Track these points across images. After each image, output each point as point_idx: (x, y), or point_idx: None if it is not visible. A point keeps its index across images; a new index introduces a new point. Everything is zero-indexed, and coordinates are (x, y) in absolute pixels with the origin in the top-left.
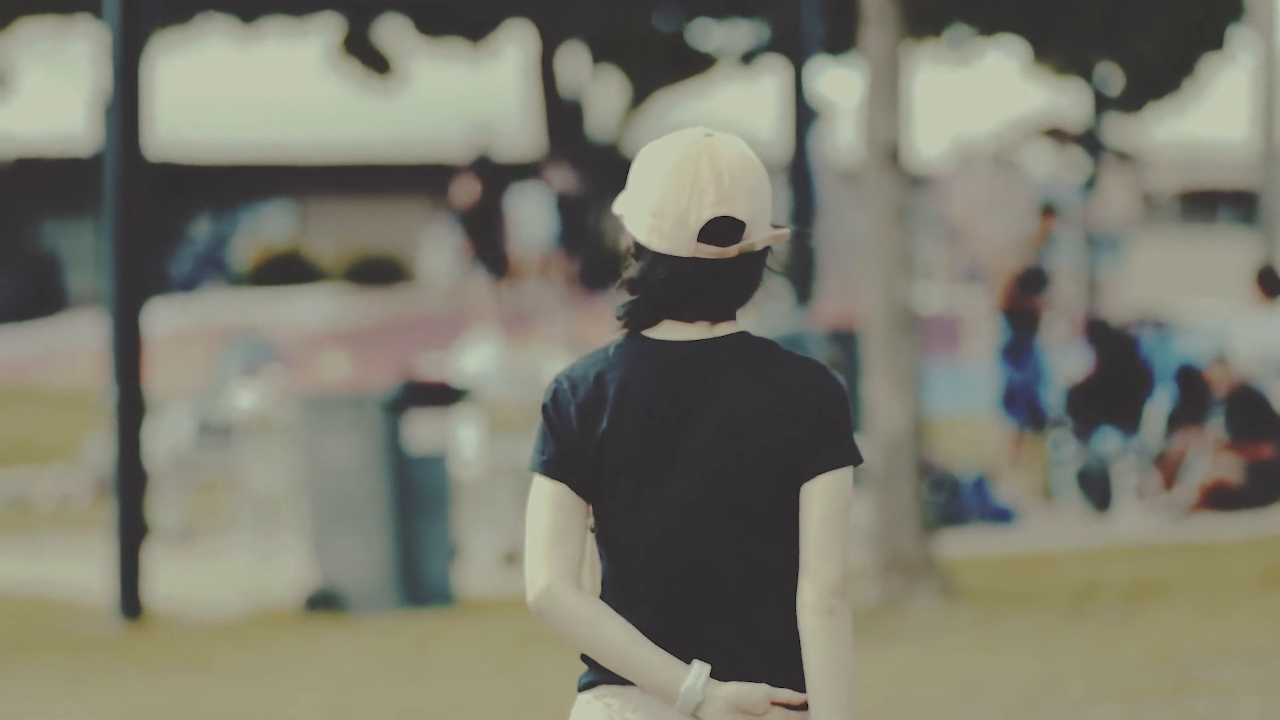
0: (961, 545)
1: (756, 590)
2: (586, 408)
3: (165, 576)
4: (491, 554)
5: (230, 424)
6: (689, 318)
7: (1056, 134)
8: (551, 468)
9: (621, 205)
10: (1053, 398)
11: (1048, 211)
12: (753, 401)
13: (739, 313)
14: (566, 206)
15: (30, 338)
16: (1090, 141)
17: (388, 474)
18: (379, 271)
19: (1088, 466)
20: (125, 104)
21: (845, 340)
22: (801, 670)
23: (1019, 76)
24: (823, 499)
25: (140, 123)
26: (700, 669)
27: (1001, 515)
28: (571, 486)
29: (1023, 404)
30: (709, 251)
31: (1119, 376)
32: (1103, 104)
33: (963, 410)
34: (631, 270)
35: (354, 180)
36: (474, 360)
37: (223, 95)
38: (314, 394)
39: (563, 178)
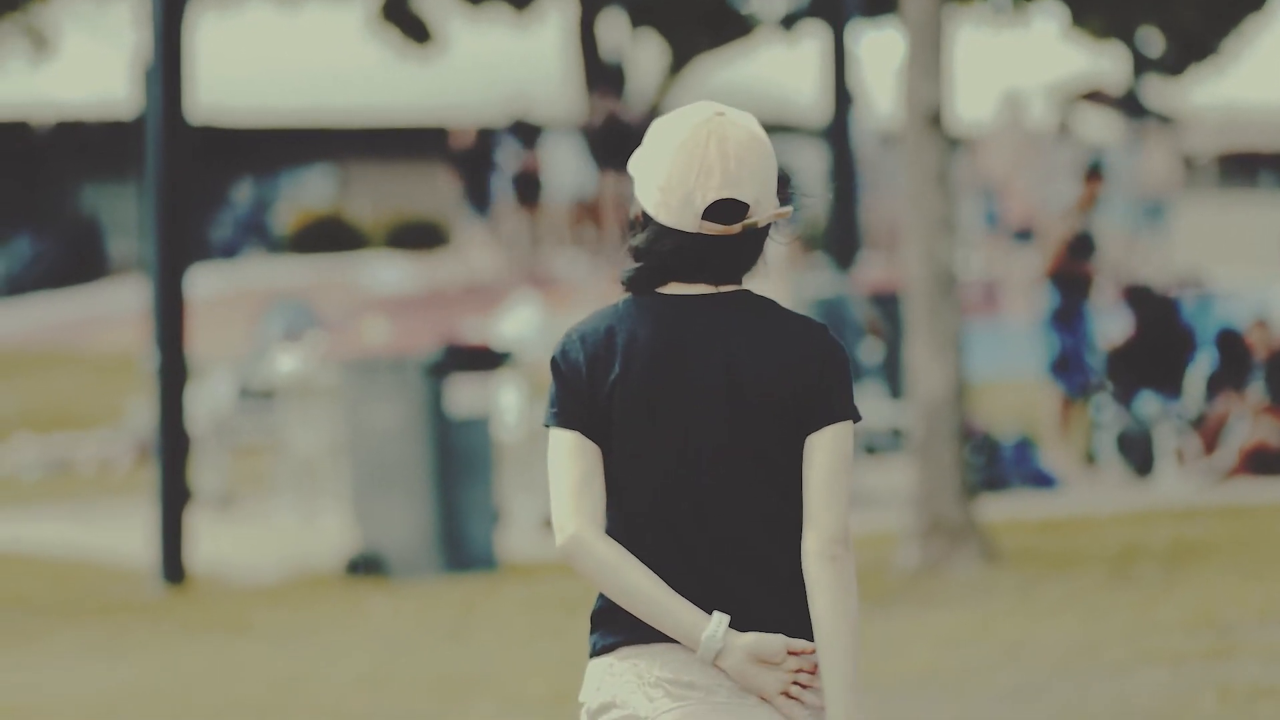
0: (1002, 509)
1: (759, 537)
2: (596, 359)
3: (207, 540)
4: (533, 518)
5: (272, 388)
6: (692, 280)
7: (1097, 97)
8: (566, 419)
9: (634, 167)
10: (1095, 362)
11: (1094, 175)
12: (756, 354)
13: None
14: (608, 147)
15: (71, 303)
16: (1131, 104)
17: (429, 438)
18: (419, 236)
19: (1128, 430)
20: (167, 68)
21: (886, 303)
22: (789, 626)
23: (1059, 40)
24: (824, 451)
25: (182, 87)
26: (720, 619)
27: (1044, 480)
28: (587, 435)
29: (1072, 369)
30: (713, 229)
31: (1159, 340)
32: (1143, 66)
33: (1004, 373)
34: (639, 238)
35: (395, 145)
36: (514, 324)
37: (263, 60)
38: (356, 358)
39: (604, 118)
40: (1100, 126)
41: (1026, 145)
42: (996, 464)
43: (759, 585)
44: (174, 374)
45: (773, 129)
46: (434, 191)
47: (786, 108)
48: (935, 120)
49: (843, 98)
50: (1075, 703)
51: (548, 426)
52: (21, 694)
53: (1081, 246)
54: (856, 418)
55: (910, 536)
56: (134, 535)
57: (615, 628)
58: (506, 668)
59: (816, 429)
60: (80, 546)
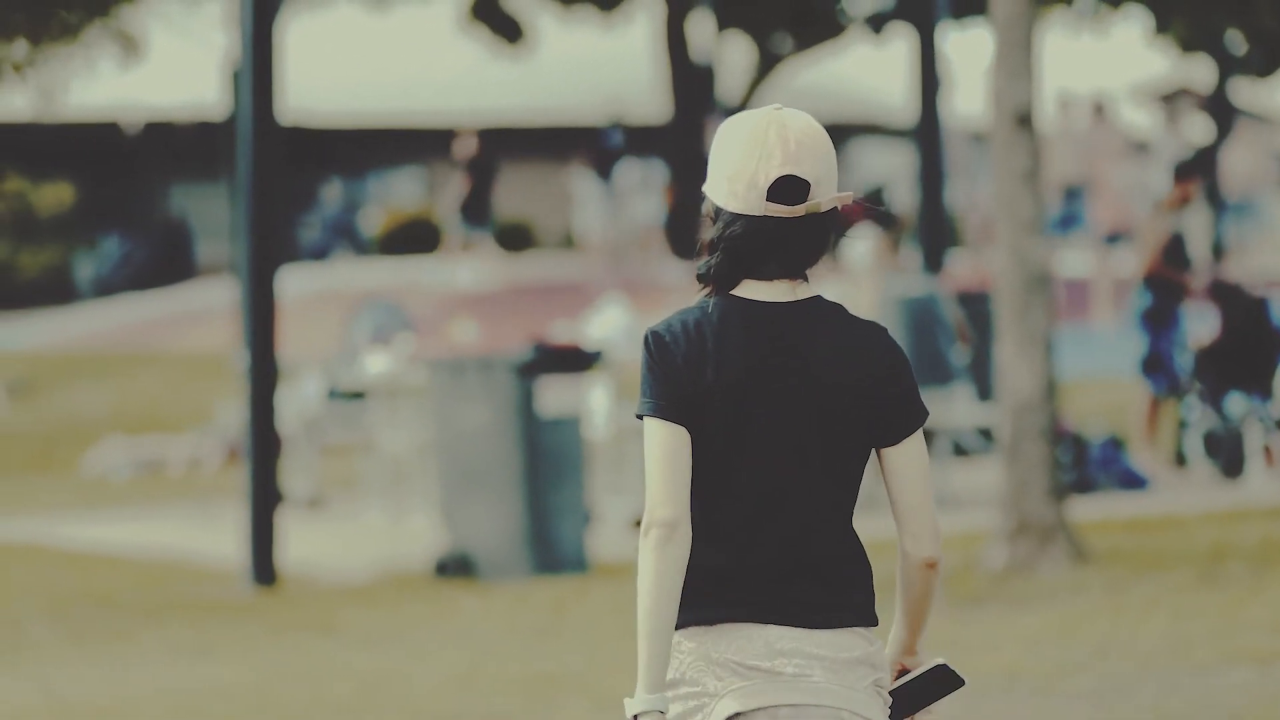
0: (1090, 509)
1: (835, 540)
2: (691, 358)
3: (297, 541)
4: (623, 519)
5: (361, 389)
6: (767, 275)
7: (1185, 96)
8: (664, 410)
9: (707, 184)
10: (1184, 362)
11: (1185, 175)
12: (833, 363)
13: (811, 273)
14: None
15: (160, 303)
16: (1219, 104)
17: (519, 438)
18: (508, 237)
19: (1216, 431)
20: (257, 69)
21: (974, 301)
22: (859, 607)
23: (1144, 43)
24: (909, 461)
25: (272, 88)
26: (649, 703)
27: (1134, 480)
28: (683, 424)
29: (1162, 370)
30: (778, 210)
31: (1248, 340)
32: (1229, 67)
33: (1091, 373)
34: (711, 231)
35: (484, 146)
36: (602, 325)
37: (352, 61)
38: (445, 358)
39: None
40: (1190, 127)
41: (1112, 146)
42: (1085, 464)
43: (817, 583)
44: (264, 375)
45: (860, 129)
46: (524, 192)
47: (874, 108)
48: (1024, 120)
49: (931, 98)
50: (1163, 702)
51: (641, 417)
52: (112, 693)
53: (1175, 247)
54: (927, 416)
55: (999, 536)
56: (224, 536)
57: (684, 608)
58: (596, 668)
59: (897, 440)
60: (170, 547)
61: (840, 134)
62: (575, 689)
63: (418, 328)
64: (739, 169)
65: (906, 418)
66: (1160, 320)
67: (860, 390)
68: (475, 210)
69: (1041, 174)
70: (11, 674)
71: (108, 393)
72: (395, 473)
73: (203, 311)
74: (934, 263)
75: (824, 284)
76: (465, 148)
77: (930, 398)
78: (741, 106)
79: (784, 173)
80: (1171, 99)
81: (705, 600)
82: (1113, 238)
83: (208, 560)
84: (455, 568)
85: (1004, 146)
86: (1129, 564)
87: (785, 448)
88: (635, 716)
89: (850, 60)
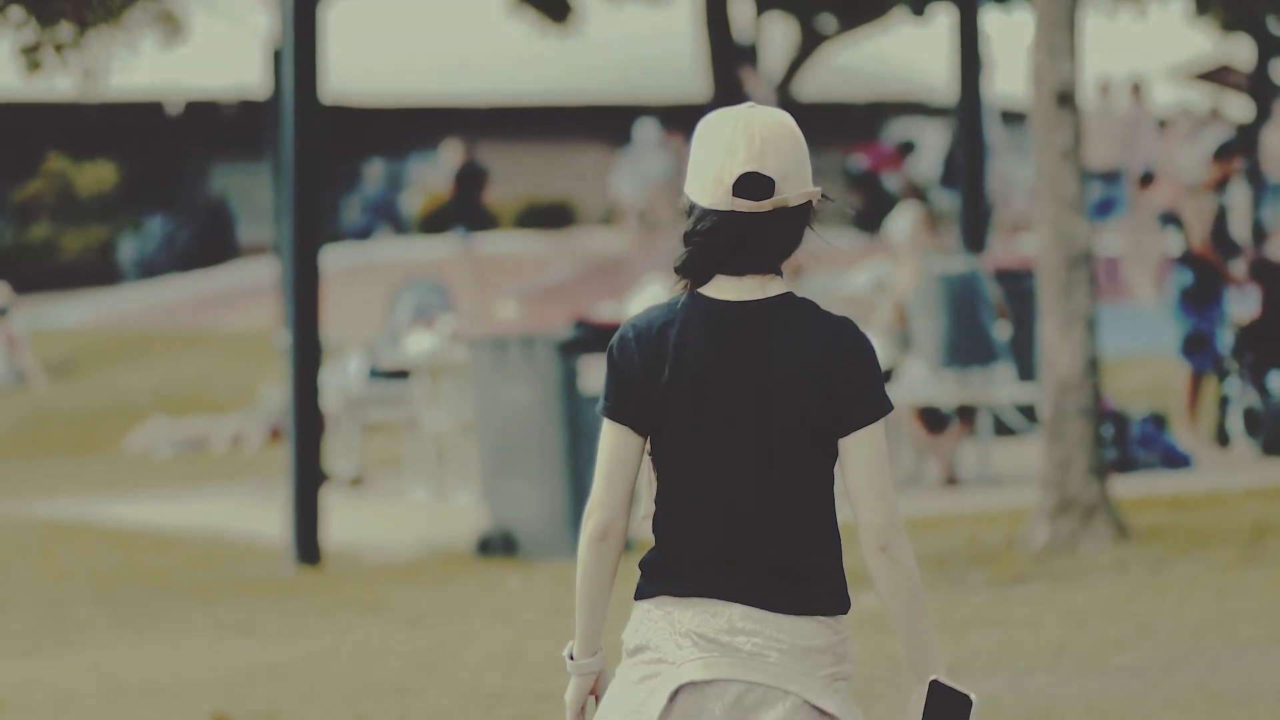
0: (1132, 487)
1: (792, 531)
2: (648, 358)
3: (340, 520)
4: None
5: (404, 368)
6: (738, 270)
7: (1224, 74)
8: (615, 412)
9: (686, 180)
10: (1225, 340)
11: (1224, 155)
12: (794, 360)
13: (785, 268)
14: None
15: (203, 283)
16: (1259, 84)
17: (561, 416)
18: (550, 216)
19: (1256, 408)
20: (299, 49)
21: (1013, 279)
22: (824, 595)
23: (1184, 24)
24: (862, 449)
25: (314, 68)
26: (582, 667)
27: (1177, 458)
28: (633, 428)
29: (1204, 349)
30: (744, 205)
31: None
32: (1270, 49)
33: (1132, 351)
34: (686, 225)
35: (525, 124)
36: (643, 303)
37: (395, 40)
38: (487, 336)
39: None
40: (1229, 106)
41: (1148, 127)
42: (1127, 442)
43: (779, 576)
44: (307, 354)
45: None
46: (565, 171)
47: (916, 86)
48: (1065, 99)
49: (972, 76)
50: (1208, 679)
51: (599, 414)
52: (157, 671)
53: (1219, 227)
54: (889, 410)
55: (1041, 515)
56: (268, 515)
57: (657, 578)
58: None
59: (851, 432)
60: (214, 527)
61: (880, 113)
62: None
63: (459, 307)
64: (708, 165)
65: (864, 410)
66: (1202, 299)
67: (820, 385)
68: (467, 217)
69: (1082, 153)
70: (60, 653)
71: (150, 373)
72: (438, 451)
73: (245, 291)
74: (975, 242)
75: (869, 262)
76: (452, 156)
77: (972, 377)
78: (784, 86)
79: (747, 169)
80: (1208, 78)
81: (675, 575)
82: (1169, 218)
83: (252, 539)
84: (498, 546)
85: (1045, 125)
86: (1171, 541)
87: (743, 445)
88: (570, 673)
89: (892, 39)
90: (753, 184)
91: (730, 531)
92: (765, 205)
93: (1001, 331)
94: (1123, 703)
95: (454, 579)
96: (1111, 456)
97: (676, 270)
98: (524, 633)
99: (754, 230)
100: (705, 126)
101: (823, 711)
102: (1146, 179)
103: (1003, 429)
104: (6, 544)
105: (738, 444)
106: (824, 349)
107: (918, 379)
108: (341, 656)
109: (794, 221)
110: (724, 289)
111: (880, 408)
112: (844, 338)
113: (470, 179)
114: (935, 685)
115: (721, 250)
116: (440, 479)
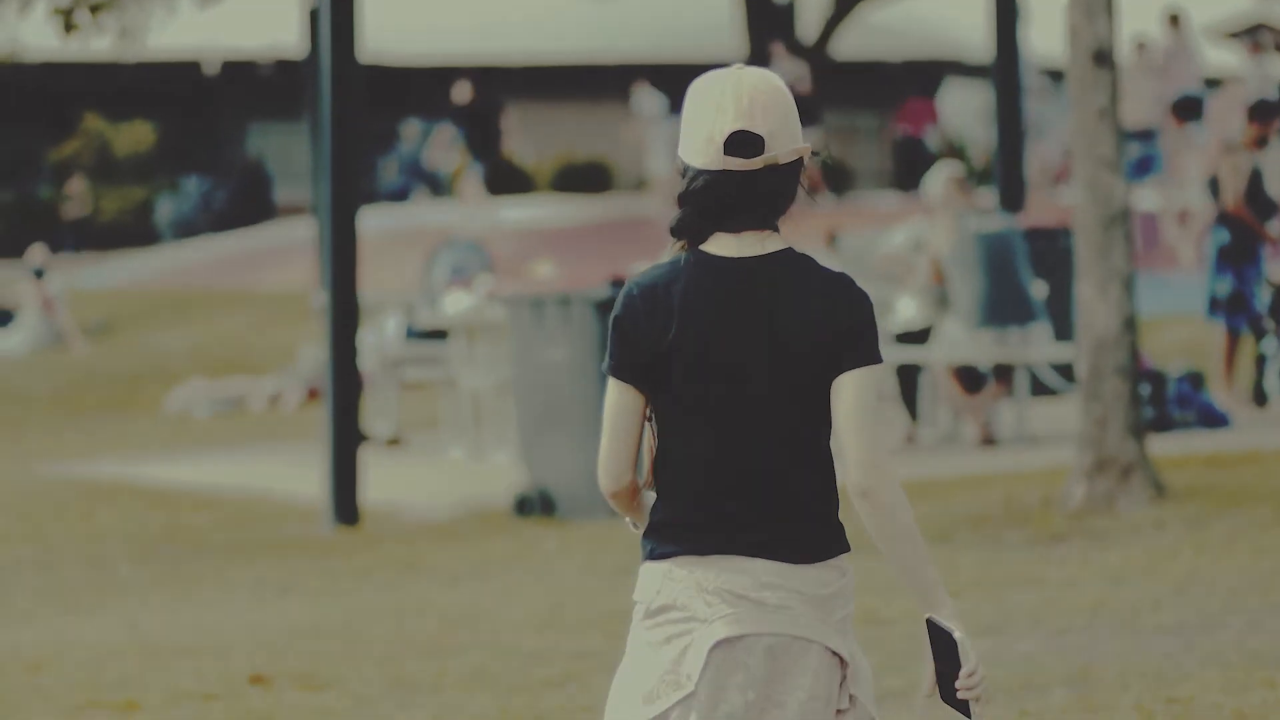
0: (1169, 445)
1: (803, 483)
2: (653, 316)
3: (378, 480)
4: None
5: (441, 327)
6: (734, 228)
7: (1262, 31)
8: (621, 370)
9: (679, 142)
10: (1262, 299)
11: (1260, 114)
12: (796, 314)
13: (781, 224)
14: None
15: (241, 242)
16: None
17: (598, 375)
18: (586, 177)
19: None
20: (336, 8)
21: (1047, 237)
22: (833, 540)
23: None
24: (847, 391)
25: (351, 27)
26: None
27: (1215, 417)
28: (637, 387)
29: (1241, 308)
30: (735, 163)
31: None
32: None
33: (1171, 310)
34: (681, 186)
35: (560, 85)
36: None
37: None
38: (524, 295)
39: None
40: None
41: (1186, 58)
42: (1164, 401)
43: (781, 525)
44: (345, 315)
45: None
46: (600, 131)
47: (952, 46)
48: (1102, 58)
49: (1009, 35)
50: (1246, 638)
51: (604, 373)
52: (195, 631)
53: (1254, 187)
54: (878, 360)
55: (1078, 473)
56: (305, 475)
57: (674, 539)
58: None
59: (840, 373)
60: (252, 487)
61: (918, 71)
62: None
63: (496, 268)
64: (699, 126)
65: (854, 355)
66: (1239, 258)
67: (821, 337)
68: (481, 150)
69: (1119, 112)
70: (99, 613)
71: (188, 333)
72: (475, 411)
73: (283, 251)
74: (1011, 200)
75: (907, 222)
76: (461, 93)
77: (1009, 336)
78: (820, 46)
79: (736, 128)
80: (1244, 35)
81: (694, 534)
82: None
83: (290, 499)
84: (535, 506)
85: (1081, 84)
86: (1209, 500)
87: (750, 399)
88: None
89: None
90: (743, 142)
91: (744, 487)
92: (756, 163)
93: (1039, 290)
94: (1160, 662)
95: (491, 538)
96: (1149, 415)
97: (673, 231)
98: (561, 592)
99: (747, 188)
100: (695, 89)
101: (835, 653)
102: (1181, 106)
103: (1040, 388)
104: (45, 504)
105: (745, 399)
106: (824, 303)
107: (955, 338)
108: (379, 616)
109: (786, 178)
110: (724, 246)
111: (870, 355)
112: (844, 292)
113: (481, 115)
114: (929, 623)
115: (716, 209)
116: (478, 439)
